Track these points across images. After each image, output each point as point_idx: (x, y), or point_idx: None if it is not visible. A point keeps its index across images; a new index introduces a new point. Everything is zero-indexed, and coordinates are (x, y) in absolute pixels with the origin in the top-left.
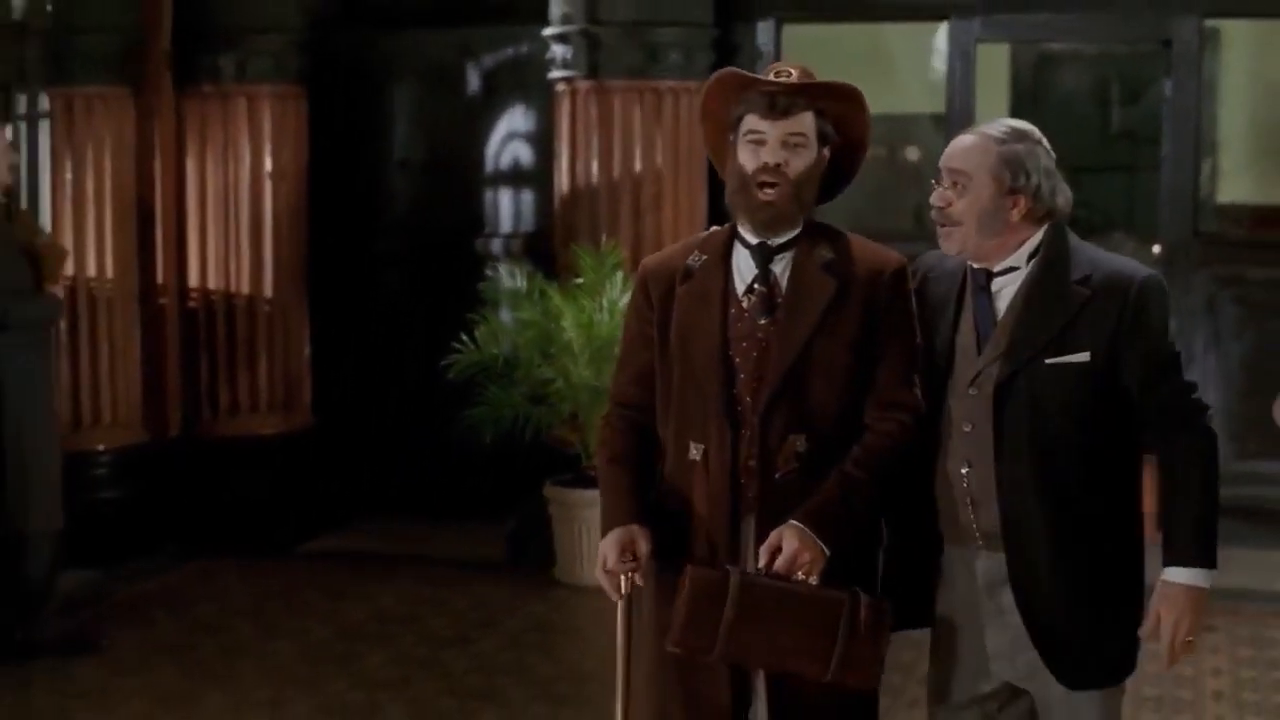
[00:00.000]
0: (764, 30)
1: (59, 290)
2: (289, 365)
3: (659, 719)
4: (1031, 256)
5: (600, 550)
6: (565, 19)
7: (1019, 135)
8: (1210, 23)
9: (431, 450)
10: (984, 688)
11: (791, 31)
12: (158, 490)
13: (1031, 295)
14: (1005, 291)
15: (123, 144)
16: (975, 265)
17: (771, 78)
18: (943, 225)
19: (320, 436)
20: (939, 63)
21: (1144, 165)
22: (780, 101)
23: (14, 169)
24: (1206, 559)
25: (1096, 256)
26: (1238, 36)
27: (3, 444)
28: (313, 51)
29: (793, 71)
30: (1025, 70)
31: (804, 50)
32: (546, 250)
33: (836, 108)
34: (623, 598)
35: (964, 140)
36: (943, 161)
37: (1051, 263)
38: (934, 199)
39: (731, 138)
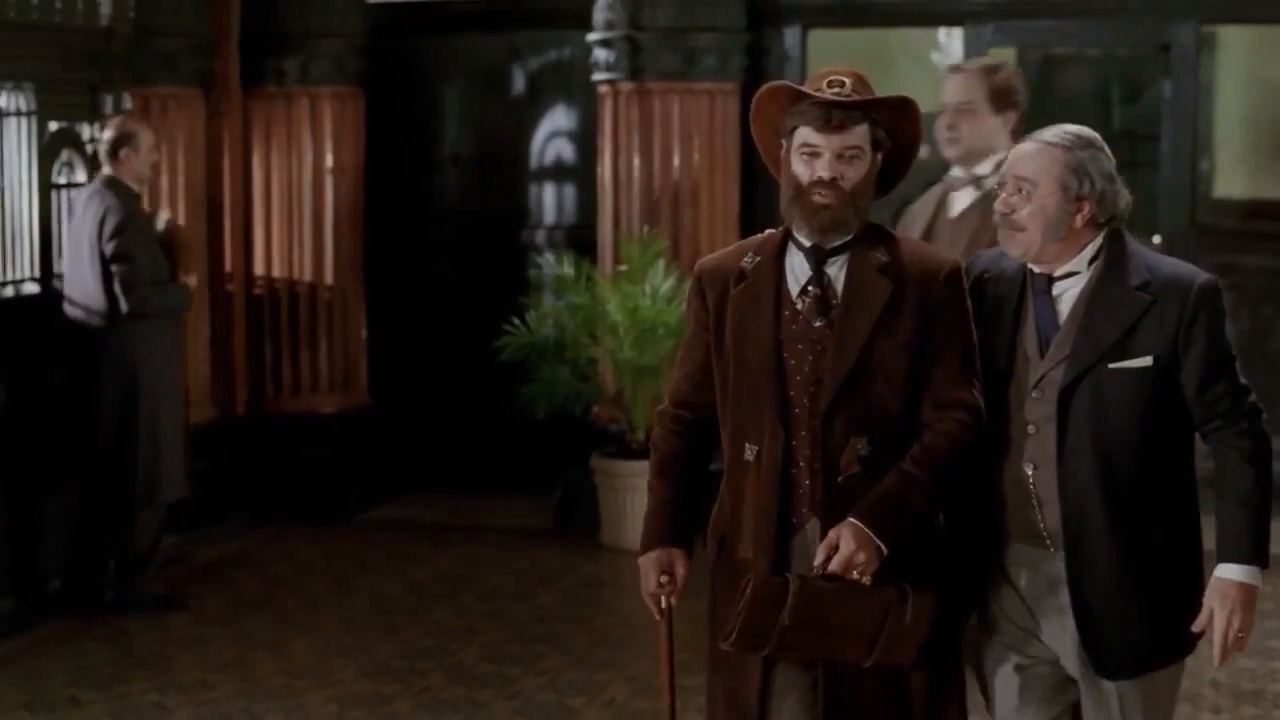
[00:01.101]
0: (791, 35)
1: (193, 280)
2: (347, 347)
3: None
4: (1092, 261)
5: (640, 566)
6: (609, 25)
7: (1084, 142)
8: (1207, 28)
9: (479, 427)
10: (1047, 682)
11: (816, 36)
12: (226, 463)
13: (1094, 301)
14: (1067, 295)
15: (194, 141)
16: (1037, 269)
17: (824, 87)
18: (1006, 230)
19: (376, 414)
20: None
21: (1144, 161)
22: (835, 116)
23: (155, 167)
24: (1259, 557)
25: (1154, 261)
26: (1233, 41)
27: (138, 420)
28: (370, 55)
29: (846, 81)
30: (1031, 71)
31: (828, 53)
32: (588, 240)
33: (889, 116)
34: (664, 617)
35: (1030, 147)
36: (1008, 167)
37: (1112, 268)
38: (999, 205)
39: (785, 145)
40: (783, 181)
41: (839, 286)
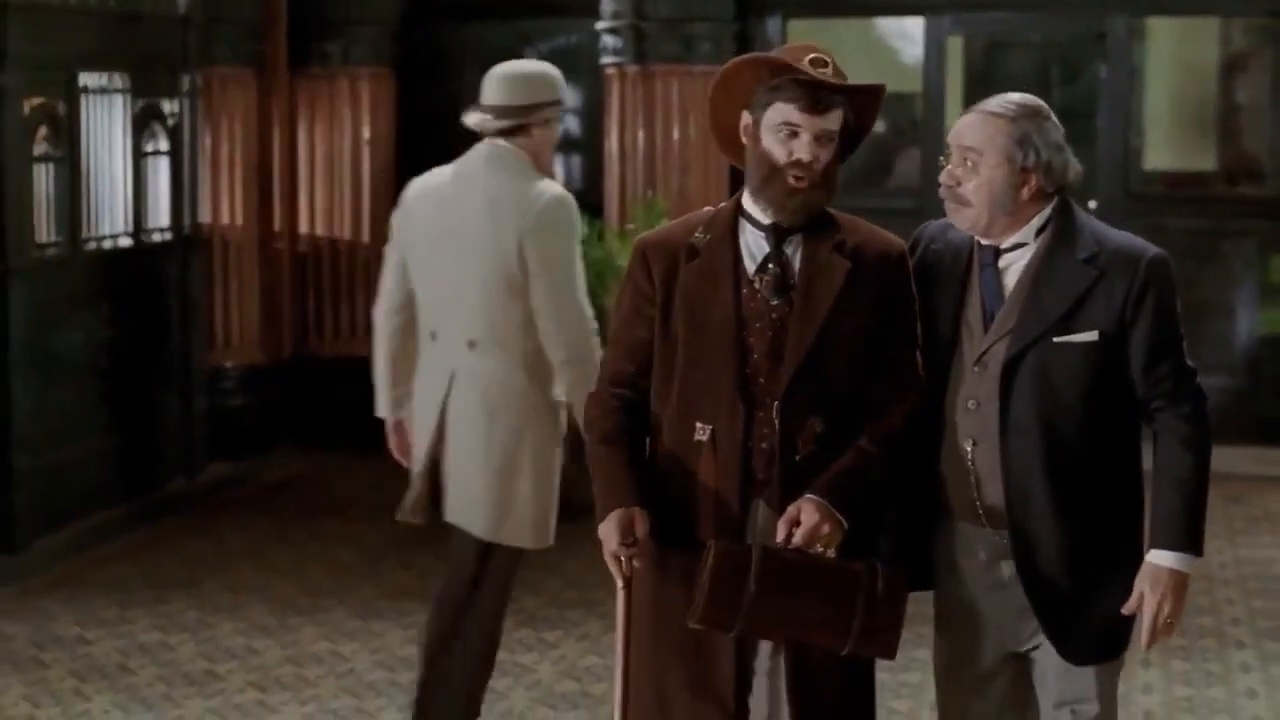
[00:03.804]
0: (772, 24)
1: None
2: None
3: (659, 700)
4: (1039, 232)
5: (600, 533)
6: (616, 15)
7: (1030, 111)
8: (1138, 19)
9: None
10: (988, 663)
11: (795, 25)
12: (274, 400)
13: (1040, 273)
14: (1014, 268)
15: (248, 116)
16: (984, 241)
17: (809, 65)
18: (951, 203)
19: None
20: (914, 50)
21: (1081, 138)
22: (823, 98)
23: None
24: (1193, 545)
25: (1102, 233)
26: (1161, 30)
27: None
28: (401, 40)
29: (828, 61)
30: (977, 55)
31: (803, 40)
32: (592, 204)
33: (859, 100)
34: (625, 583)
35: (974, 117)
36: (952, 138)
37: (1059, 240)
38: (943, 176)
39: (752, 118)
40: (752, 158)
41: (795, 265)
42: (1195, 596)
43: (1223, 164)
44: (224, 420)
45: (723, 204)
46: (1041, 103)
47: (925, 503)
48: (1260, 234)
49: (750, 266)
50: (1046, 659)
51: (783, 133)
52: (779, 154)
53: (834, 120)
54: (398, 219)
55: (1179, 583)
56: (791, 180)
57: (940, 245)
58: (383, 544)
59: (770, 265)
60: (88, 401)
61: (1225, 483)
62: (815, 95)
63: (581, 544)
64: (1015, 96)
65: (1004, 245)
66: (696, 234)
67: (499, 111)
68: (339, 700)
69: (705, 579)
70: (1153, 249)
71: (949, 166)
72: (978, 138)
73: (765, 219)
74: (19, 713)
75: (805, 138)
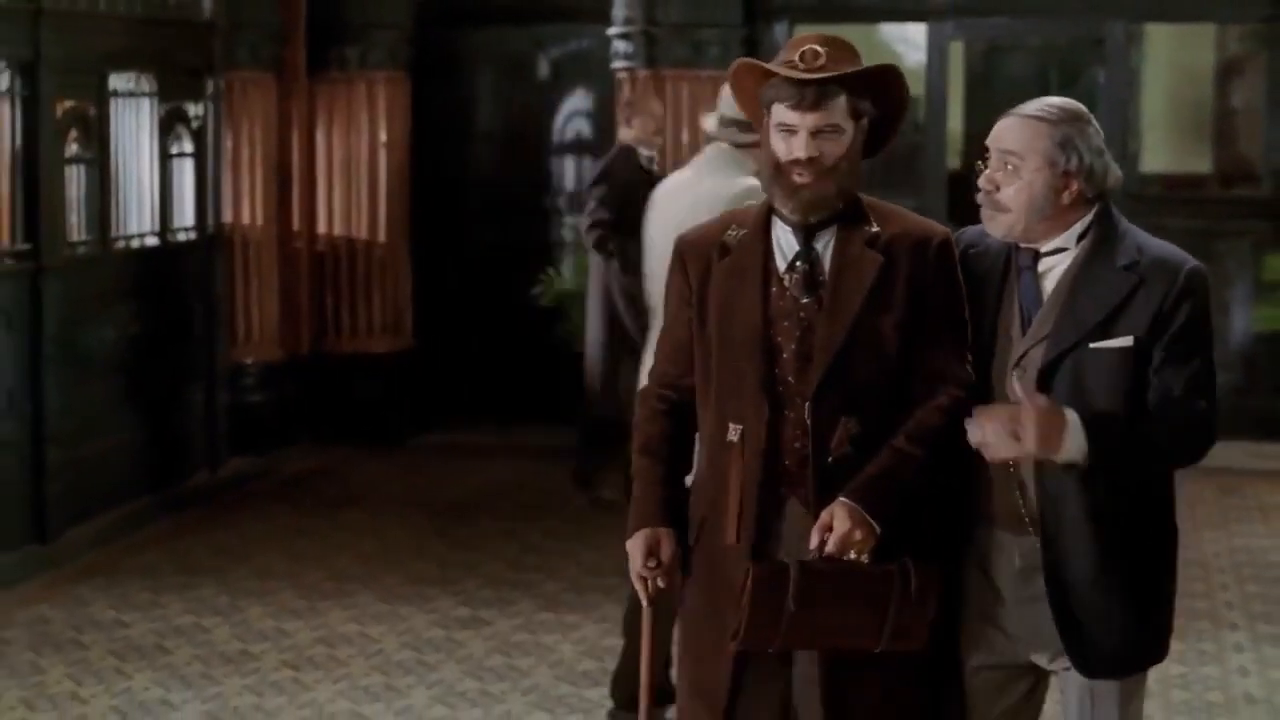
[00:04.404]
0: (779, 29)
1: None
2: (396, 296)
3: (682, 701)
4: (1080, 238)
5: (628, 548)
6: (627, 20)
7: (1071, 115)
8: (1135, 25)
9: (506, 365)
10: (1009, 672)
11: (801, 30)
12: (293, 395)
13: (1079, 279)
14: (1053, 273)
15: (268, 119)
16: (1023, 245)
17: (797, 60)
18: (989, 209)
19: (419, 354)
20: (918, 54)
21: None
22: (808, 95)
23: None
24: (1100, 454)
25: (1143, 241)
26: (1158, 36)
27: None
28: (416, 45)
29: (821, 50)
30: (977, 59)
31: None
32: None
33: (872, 85)
34: (650, 601)
35: (1014, 121)
36: (991, 142)
37: (1100, 247)
38: (981, 181)
39: (765, 118)
40: (761, 158)
41: (826, 262)
42: (1191, 582)
43: (1218, 166)
44: (244, 415)
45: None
46: (1082, 107)
47: (962, 505)
48: (1255, 234)
49: (781, 264)
50: (1072, 681)
51: (781, 132)
52: (781, 152)
53: (833, 113)
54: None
55: (1056, 423)
56: (795, 178)
57: (980, 249)
58: (403, 535)
59: (799, 263)
60: (116, 397)
61: (1220, 475)
62: (801, 92)
63: (596, 534)
64: (1056, 100)
65: (1044, 250)
66: (730, 231)
67: (722, 121)
68: (370, 678)
69: (745, 602)
70: (1192, 261)
71: (987, 171)
72: (1019, 141)
73: (792, 216)
74: (63, 690)
75: (802, 134)
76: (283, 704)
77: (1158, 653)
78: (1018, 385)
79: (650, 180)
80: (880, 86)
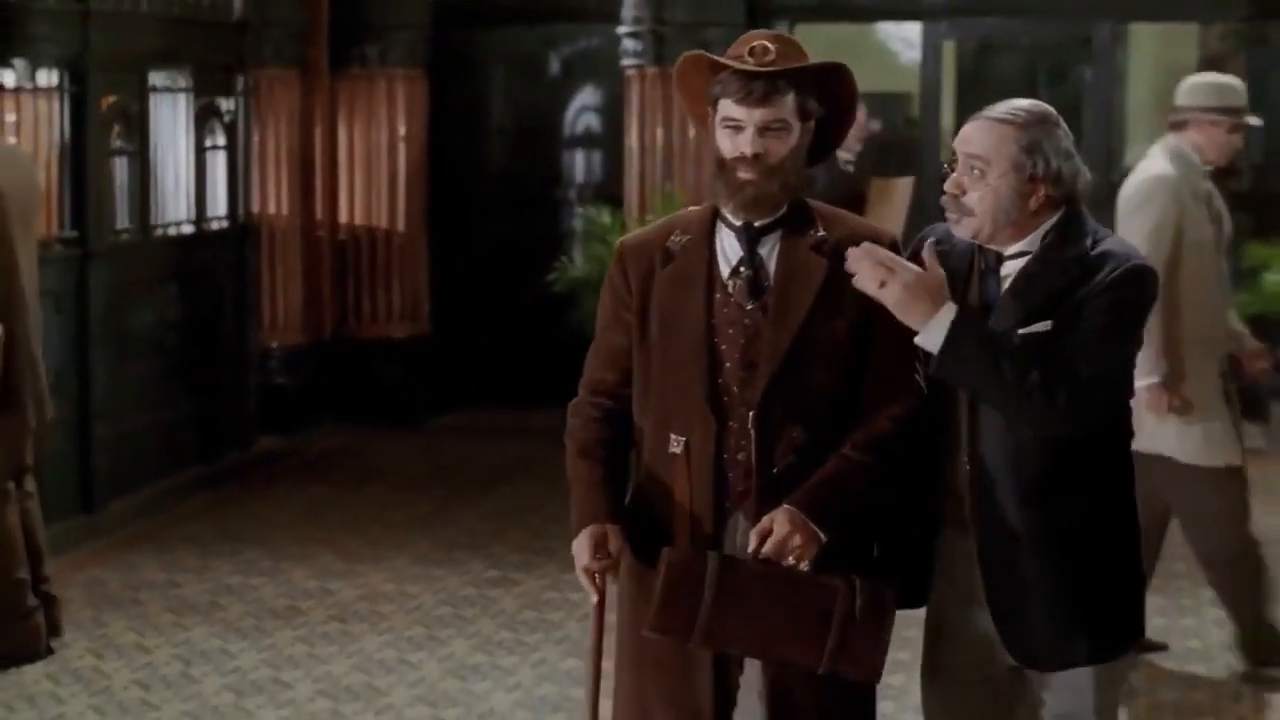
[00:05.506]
0: (780, 29)
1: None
2: (414, 284)
3: (641, 715)
4: (1044, 239)
5: (573, 549)
6: (636, 20)
7: (1038, 118)
8: (1121, 24)
9: (519, 351)
10: (977, 672)
11: (802, 29)
12: (315, 378)
13: (1028, 275)
14: (1013, 276)
15: (291, 114)
16: (987, 246)
17: (746, 54)
18: (954, 213)
19: (436, 340)
20: (913, 53)
21: None
22: (756, 89)
23: (866, 140)
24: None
25: (1103, 239)
26: (1143, 35)
27: None
28: (434, 44)
29: (770, 46)
30: (968, 57)
31: (809, 43)
32: (611, 196)
33: (821, 83)
34: (600, 597)
35: (981, 124)
36: (958, 144)
37: (1056, 244)
38: (947, 185)
39: (711, 115)
40: (708, 155)
41: (772, 266)
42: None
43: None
44: (270, 397)
45: (701, 206)
46: (1050, 109)
47: (926, 514)
48: (1236, 225)
49: (725, 269)
50: (1042, 673)
51: (728, 127)
52: (726, 149)
53: (781, 109)
54: None
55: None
56: (740, 174)
57: (946, 247)
58: (430, 507)
59: (743, 268)
60: (156, 376)
61: None
62: (749, 86)
63: (561, 548)
64: (1024, 103)
65: (1007, 253)
66: (673, 237)
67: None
68: (412, 630)
69: (658, 587)
70: (1142, 259)
71: (954, 174)
72: (985, 145)
73: (736, 219)
74: (127, 640)
75: (749, 131)
76: (334, 652)
77: (1109, 649)
78: (926, 253)
79: (848, 182)
80: (829, 86)
